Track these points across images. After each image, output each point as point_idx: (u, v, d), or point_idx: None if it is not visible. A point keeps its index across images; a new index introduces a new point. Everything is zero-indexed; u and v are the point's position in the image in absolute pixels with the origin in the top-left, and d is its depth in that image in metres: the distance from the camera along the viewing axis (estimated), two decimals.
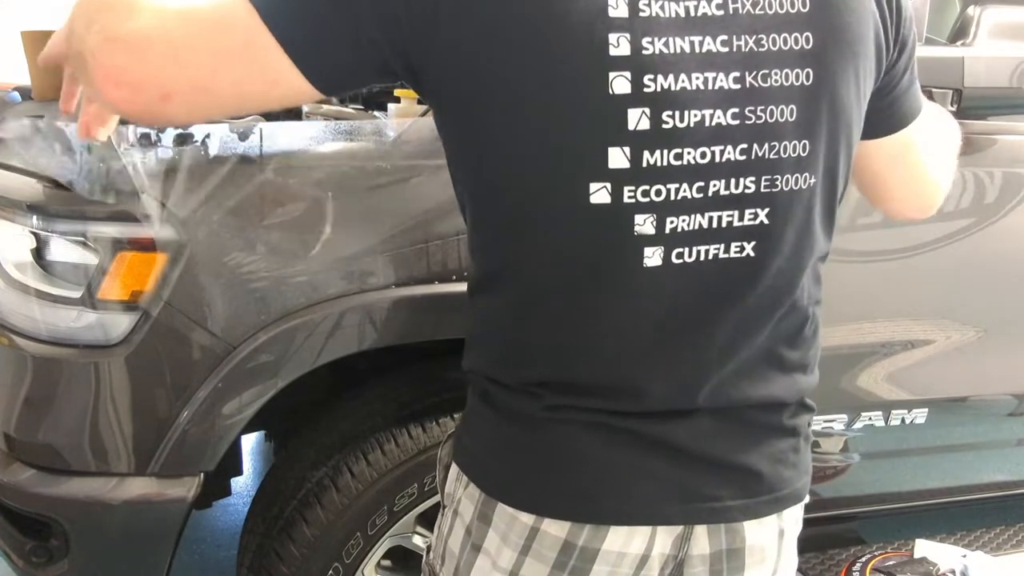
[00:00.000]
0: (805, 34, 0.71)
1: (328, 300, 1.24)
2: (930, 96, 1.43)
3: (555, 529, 0.78)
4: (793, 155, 0.72)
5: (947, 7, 1.84)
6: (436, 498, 1.43)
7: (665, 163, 0.69)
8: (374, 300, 1.26)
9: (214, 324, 1.21)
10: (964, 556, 1.79)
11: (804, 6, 0.71)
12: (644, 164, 0.69)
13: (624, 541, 0.78)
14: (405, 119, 1.80)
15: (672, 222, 0.71)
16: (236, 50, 0.70)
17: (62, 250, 1.22)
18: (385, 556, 1.48)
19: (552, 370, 0.78)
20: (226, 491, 1.62)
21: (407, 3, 0.68)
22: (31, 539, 1.31)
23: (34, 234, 1.22)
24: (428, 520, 1.49)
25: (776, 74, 0.71)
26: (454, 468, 0.87)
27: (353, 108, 2.12)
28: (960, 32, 1.53)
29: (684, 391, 0.77)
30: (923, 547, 1.84)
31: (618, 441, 0.78)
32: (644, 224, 0.70)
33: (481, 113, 0.71)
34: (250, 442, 2.63)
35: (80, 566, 1.31)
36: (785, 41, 0.71)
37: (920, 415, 1.70)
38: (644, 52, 0.67)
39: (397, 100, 2.06)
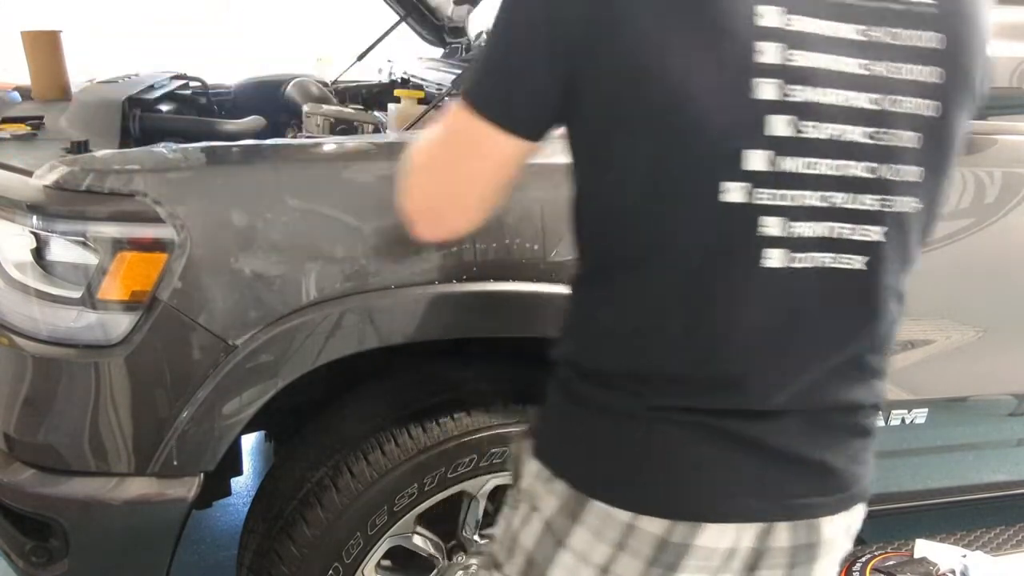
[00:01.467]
0: (937, 70, 0.76)
1: (328, 300, 1.24)
2: None
3: (652, 526, 0.81)
4: (910, 180, 0.77)
5: None
6: (436, 497, 1.43)
7: (798, 170, 0.74)
8: (373, 300, 1.26)
9: (214, 324, 1.21)
10: (964, 556, 1.79)
11: (940, 44, 0.76)
12: (778, 169, 0.73)
13: (716, 537, 0.81)
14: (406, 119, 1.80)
15: (795, 228, 0.75)
16: (463, 156, 0.82)
17: (62, 250, 1.22)
18: (385, 556, 1.48)
19: (659, 364, 0.80)
20: (226, 491, 1.62)
21: (570, 27, 0.73)
22: (31, 539, 1.31)
23: (34, 234, 1.21)
24: (428, 520, 1.49)
25: (908, 102, 0.75)
26: (534, 465, 0.89)
27: (353, 108, 2.13)
28: None
29: (783, 391, 0.80)
30: (923, 547, 1.84)
31: (715, 440, 0.81)
32: (770, 226, 0.74)
33: (626, 108, 0.74)
34: (250, 442, 2.63)
35: (80, 566, 1.31)
36: (920, 73, 0.76)
37: (920, 415, 1.70)
38: (791, 63, 0.72)
39: (397, 100, 2.07)
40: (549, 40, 0.74)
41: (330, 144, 1.34)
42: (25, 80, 2.06)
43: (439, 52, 3.03)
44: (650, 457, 0.82)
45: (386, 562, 1.50)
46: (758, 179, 0.73)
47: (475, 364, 1.54)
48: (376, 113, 2.08)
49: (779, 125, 0.72)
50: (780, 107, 0.72)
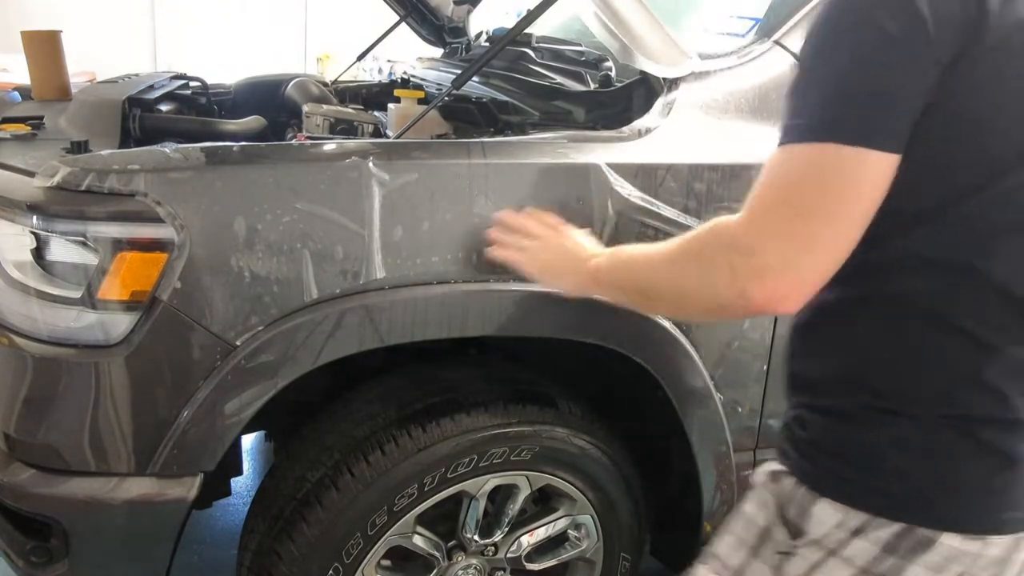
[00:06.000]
0: None
1: (328, 300, 1.24)
2: None
3: (996, 548, 0.83)
4: None
5: None
6: (436, 497, 1.43)
7: None
8: (374, 300, 1.26)
9: (214, 324, 1.21)
10: None
11: None
12: None
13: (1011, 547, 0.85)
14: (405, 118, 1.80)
15: None
16: (841, 198, 0.77)
17: (62, 250, 1.22)
18: (385, 556, 1.48)
19: (992, 380, 0.82)
20: (226, 491, 1.62)
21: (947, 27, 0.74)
22: (31, 539, 1.31)
23: (34, 234, 1.22)
24: (427, 520, 1.49)
25: None
26: (834, 513, 0.87)
27: (353, 108, 2.13)
28: None
29: None
30: None
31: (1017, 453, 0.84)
32: None
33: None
34: (250, 442, 2.63)
35: (80, 566, 1.31)
36: None
37: None
38: None
39: (397, 100, 2.07)
40: (926, 48, 0.74)
41: (330, 144, 1.34)
42: (25, 80, 2.06)
43: (439, 52, 3.03)
44: (994, 478, 0.83)
45: (386, 562, 1.50)
46: None
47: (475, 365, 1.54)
48: (376, 113, 2.08)
49: None
50: None
